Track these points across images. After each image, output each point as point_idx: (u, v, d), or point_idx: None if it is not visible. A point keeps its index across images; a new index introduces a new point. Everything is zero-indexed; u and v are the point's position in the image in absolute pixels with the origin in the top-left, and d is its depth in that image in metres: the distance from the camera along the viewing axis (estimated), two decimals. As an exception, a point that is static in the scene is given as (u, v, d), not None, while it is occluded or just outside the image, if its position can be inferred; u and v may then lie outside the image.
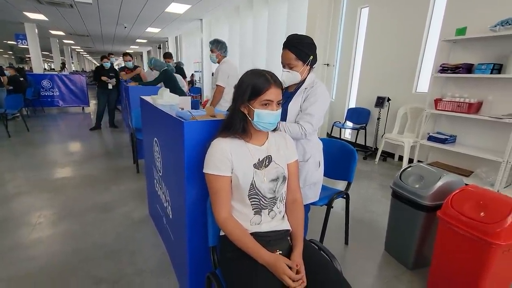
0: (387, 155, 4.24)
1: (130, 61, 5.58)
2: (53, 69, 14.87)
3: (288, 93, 1.57)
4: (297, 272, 0.98)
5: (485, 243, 1.30)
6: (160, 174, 1.79)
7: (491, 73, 2.78)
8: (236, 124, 1.11)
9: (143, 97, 2.26)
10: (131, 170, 3.51)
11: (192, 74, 10.81)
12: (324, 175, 1.71)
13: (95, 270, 1.75)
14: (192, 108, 1.86)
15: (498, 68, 2.79)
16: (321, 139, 1.70)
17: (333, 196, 1.80)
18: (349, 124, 4.74)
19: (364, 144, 4.59)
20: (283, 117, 1.51)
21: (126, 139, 5.06)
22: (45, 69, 13.33)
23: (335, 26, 4.91)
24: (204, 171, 1.09)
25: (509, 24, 2.60)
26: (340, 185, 2.82)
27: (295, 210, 1.18)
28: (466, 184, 1.65)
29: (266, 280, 0.97)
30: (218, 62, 3.12)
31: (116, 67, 6.21)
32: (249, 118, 1.10)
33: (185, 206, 1.28)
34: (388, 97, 4.01)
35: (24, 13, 7.55)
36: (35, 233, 2.14)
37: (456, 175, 1.81)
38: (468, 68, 3.01)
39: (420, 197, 1.68)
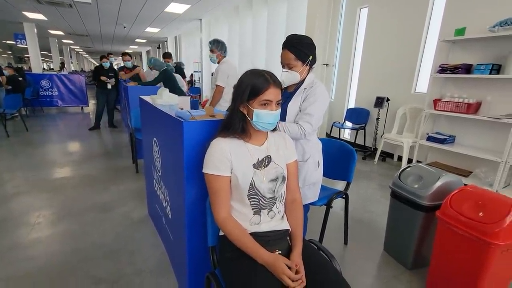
0: (386, 155, 4.25)
1: (129, 60, 5.58)
2: (52, 69, 14.85)
3: (287, 93, 1.57)
4: (297, 272, 0.98)
5: (484, 243, 1.31)
6: (160, 174, 1.79)
7: (490, 73, 2.79)
8: (236, 124, 1.11)
9: (142, 97, 2.25)
10: (130, 170, 3.51)
11: (192, 74, 10.81)
12: (324, 175, 1.72)
13: (94, 270, 1.75)
14: (191, 108, 1.86)
15: (497, 69, 2.80)
16: (321, 139, 1.70)
17: (333, 196, 1.81)
18: (349, 124, 4.75)
19: (363, 144, 4.59)
20: (283, 117, 1.51)
21: (125, 139, 5.05)
22: (44, 69, 13.30)
23: (335, 26, 4.91)
24: (203, 171, 1.09)
25: (508, 25, 2.60)
26: (340, 185, 2.82)
27: (295, 210, 1.18)
28: (465, 184, 1.65)
29: (266, 280, 0.97)
30: (218, 62, 3.12)
31: (116, 67, 6.21)
32: (248, 118, 1.10)
33: (185, 206, 1.28)
34: (387, 97, 4.02)
35: (23, 12, 7.54)
36: (34, 233, 2.14)
37: (455, 175, 1.81)
38: (467, 69, 3.02)
39: (419, 197, 1.68)
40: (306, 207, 1.69)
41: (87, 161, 3.82)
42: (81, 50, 20.32)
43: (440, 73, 3.19)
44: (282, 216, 1.18)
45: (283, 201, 1.18)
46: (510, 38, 2.69)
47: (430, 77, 3.32)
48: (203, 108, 1.73)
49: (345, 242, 2.11)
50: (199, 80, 10.35)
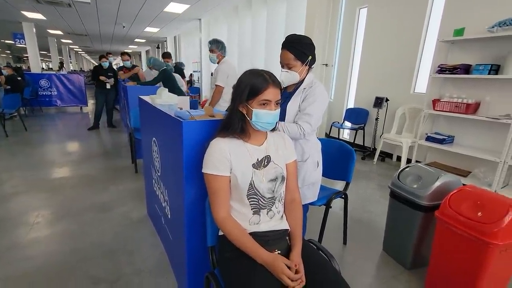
0: (385, 155, 4.26)
1: (128, 60, 5.57)
2: (51, 68, 14.82)
3: (286, 93, 1.57)
4: (296, 272, 0.98)
5: (482, 243, 1.31)
6: (159, 174, 1.79)
7: (489, 73, 2.80)
8: (235, 124, 1.11)
9: (141, 96, 2.25)
10: (130, 170, 3.50)
11: (191, 74, 10.80)
12: (323, 175, 1.72)
13: (93, 270, 1.75)
14: (191, 108, 1.85)
15: (495, 69, 2.80)
16: (320, 139, 1.70)
17: (332, 196, 1.81)
18: (348, 124, 4.75)
19: (362, 144, 4.60)
20: (282, 117, 1.51)
21: (125, 139, 5.04)
22: (43, 68, 13.28)
23: (334, 26, 4.92)
24: (203, 171, 1.09)
25: (507, 25, 2.61)
26: (339, 185, 2.82)
27: (294, 209, 1.18)
28: (464, 184, 1.66)
29: (265, 280, 0.97)
30: (218, 62, 3.11)
31: (115, 67, 6.19)
32: (248, 118, 1.10)
33: (184, 206, 1.28)
34: (387, 98, 4.02)
35: (22, 12, 7.53)
36: (32, 233, 2.13)
37: (454, 175, 1.82)
38: (466, 69, 3.03)
39: (418, 197, 1.68)
40: (305, 207, 1.69)
41: (86, 161, 3.81)
42: (80, 49, 20.29)
43: (439, 73, 3.19)
44: (282, 216, 1.18)
45: (282, 201, 1.18)
46: (509, 39, 2.70)
47: (429, 77, 3.33)
48: (202, 108, 1.73)
49: (344, 242, 2.11)
50: (198, 80, 10.35)
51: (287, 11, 5.36)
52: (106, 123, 5.95)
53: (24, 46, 9.21)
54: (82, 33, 11.31)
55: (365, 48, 4.47)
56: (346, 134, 5.18)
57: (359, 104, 4.66)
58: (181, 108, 1.73)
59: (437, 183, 1.65)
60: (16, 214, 2.41)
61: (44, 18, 8.31)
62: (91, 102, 9.11)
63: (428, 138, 3.36)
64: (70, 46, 17.40)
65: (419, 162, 3.49)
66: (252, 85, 1.06)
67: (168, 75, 4.16)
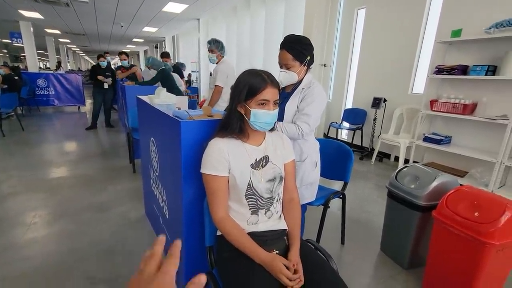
0: (383, 156, 4.27)
1: (125, 60, 5.56)
2: (49, 68, 14.75)
3: (285, 93, 1.58)
4: (295, 271, 0.98)
5: (479, 243, 1.32)
6: (157, 174, 1.79)
7: (486, 74, 2.81)
8: (233, 124, 1.11)
9: (139, 96, 2.25)
10: (128, 170, 3.49)
11: (189, 74, 10.78)
12: (321, 175, 1.72)
13: (91, 270, 1.74)
14: (189, 108, 1.85)
15: (492, 70, 2.82)
16: (318, 140, 1.71)
17: (330, 196, 1.81)
18: (346, 124, 4.76)
19: (360, 144, 4.61)
20: (280, 117, 1.51)
21: (123, 138, 5.03)
22: (40, 68, 13.21)
23: (332, 26, 4.93)
24: (201, 171, 1.09)
25: (504, 26, 2.63)
26: (337, 185, 2.83)
27: (292, 209, 1.19)
28: (461, 185, 1.67)
29: (263, 280, 0.97)
30: (217, 63, 3.10)
31: (113, 66, 6.17)
32: (246, 118, 1.10)
33: (182, 206, 1.28)
34: (385, 98, 4.04)
35: (19, 11, 7.48)
36: (30, 233, 2.12)
37: (451, 175, 1.83)
38: (463, 70, 3.04)
39: (415, 197, 1.69)
40: (304, 207, 1.69)
41: (83, 161, 3.80)
42: (78, 49, 20.21)
43: (437, 74, 3.21)
44: (280, 216, 1.18)
45: (281, 201, 1.19)
46: (506, 40, 2.71)
47: (427, 78, 3.34)
48: (200, 108, 1.73)
49: (342, 242, 2.12)
50: (196, 80, 10.33)
51: (286, 11, 5.37)
52: (104, 122, 5.93)
53: (22, 45, 9.15)
54: (80, 32, 11.27)
55: (363, 49, 4.48)
56: (344, 135, 5.20)
57: (357, 105, 4.67)
58: (179, 108, 1.72)
59: (434, 183, 1.66)
60: (13, 214, 2.39)
61: (42, 17, 8.27)
62: (89, 102, 9.08)
63: (426, 139, 3.37)
64: (68, 46, 17.33)
65: (417, 162, 3.50)
66: (250, 85, 1.06)
67: (167, 75, 4.16)
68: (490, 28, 2.72)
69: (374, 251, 2.05)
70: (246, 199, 1.10)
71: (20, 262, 1.80)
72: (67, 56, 18.42)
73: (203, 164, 1.09)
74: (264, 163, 1.13)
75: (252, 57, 6.52)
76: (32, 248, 1.94)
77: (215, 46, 3.03)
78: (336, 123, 4.83)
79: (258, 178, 1.10)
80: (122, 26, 9.41)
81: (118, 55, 5.47)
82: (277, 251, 1.07)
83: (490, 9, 2.89)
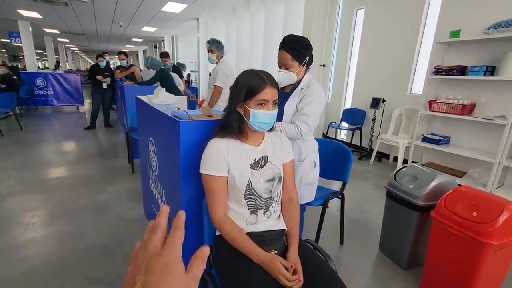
0: (382, 156, 4.28)
1: (124, 60, 5.55)
2: (47, 67, 14.71)
3: (284, 94, 1.58)
4: (295, 272, 0.98)
5: (477, 243, 1.32)
6: (156, 174, 1.79)
7: (484, 75, 2.82)
8: (233, 124, 1.11)
9: (138, 96, 2.25)
10: (126, 170, 3.49)
11: (188, 74, 10.77)
12: (320, 175, 1.72)
13: (89, 271, 1.74)
14: (189, 108, 1.85)
15: (491, 70, 2.83)
16: (317, 140, 1.71)
17: (329, 196, 1.82)
18: (345, 124, 4.77)
19: (359, 144, 4.62)
20: (279, 117, 1.51)
21: (121, 138, 5.02)
22: (39, 67, 13.18)
23: (332, 27, 4.93)
24: (200, 171, 1.09)
25: (502, 27, 2.64)
26: (336, 185, 2.84)
27: (291, 209, 1.19)
28: (459, 185, 1.67)
29: (262, 280, 0.97)
30: (216, 63, 3.10)
31: (112, 66, 6.16)
32: (245, 119, 1.11)
33: (181, 206, 1.28)
34: (383, 98, 4.04)
35: (18, 10, 7.46)
36: (28, 233, 2.12)
37: (449, 175, 1.84)
38: (462, 70, 3.05)
39: (414, 197, 1.69)
40: (302, 207, 1.69)
41: (82, 161, 3.79)
42: (77, 49, 20.17)
43: (435, 75, 3.22)
44: (279, 215, 1.18)
45: (279, 201, 1.19)
46: (504, 40, 2.72)
47: (426, 78, 3.35)
48: (199, 108, 1.73)
49: (341, 242, 2.12)
50: (195, 80, 10.32)
51: (285, 11, 5.37)
52: (103, 122, 5.92)
53: (20, 44, 9.12)
54: (78, 32, 11.24)
55: (363, 49, 4.49)
56: (343, 135, 5.20)
57: (356, 105, 4.68)
58: (178, 108, 1.72)
59: (433, 184, 1.67)
60: (12, 214, 2.39)
61: (40, 17, 8.25)
62: (87, 102, 9.06)
63: (424, 139, 3.38)
64: (67, 45, 17.29)
65: (415, 162, 3.51)
66: (249, 85, 1.07)
67: (166, 75, 4.15)
68: (488, 29, 2.73)
69: (373, 251, 2.05)
70: (245, 199, 1.10)
71: (19, 262, 1.79)
72: (66, 55, 18.37)
73: (202, 164, 1.09)
74: (263, 163, 1.13)
75: (251, 57, 6.52)
76: (30, 248, 1.94)
77: (215, 46, 3.02)
78: (335, 123, 4.83)
79: (257, 178, 1.10)
80: (121, 26, 9.40)
81: (117, 55, 5.46)
82: (276, 251, 1.07)
83: (488, 9, 2.90)
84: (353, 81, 4.76)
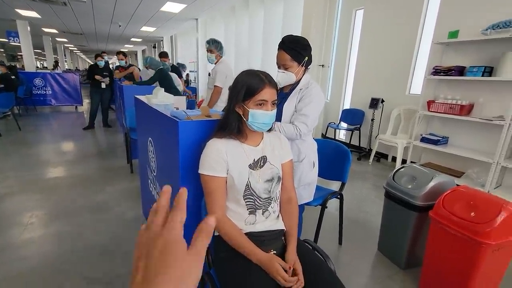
0: (380, 156, 4.28)
1: (122, 60, 5.54)
2: (46, 67, 14.66)
3: (283, 94, 1.58)
4: (294, 272, 0.99)
5: (475, 243, 1.33)
6: (154, 174, 1.79)
7: (482, 75, 2.83)
8: (232, 125, 1.11)
9: (137, 96, 2.24)
10: (125, 170, 3.48)
11: (187, 74, 10.76)
12: (319, 175, 1.73)
13: (88, 271, 1.73)
14: (188, 108, 1.85)
15: (489, 71, 2.84)
16: (316, 140, 1.71)
17: (328, 196, 1.82)
18: (344, 125, 4.78)
19: (358, 145, 4.62)
20: (278, 118, 1.52)
21: (120, 138, 5.01)
22: (37, 67, 13.14)
23: (331, 27, 4.94)
24: (199, 171, 1.09)
25: (500, 28, 2.65)
26: (334, 185, 2.84)
27: (290, 209, 1.19)
28: (458, 185, 1.68)
29: (260, 280, 0.97)
30: (216, 63, 3.10)
31: (111, 66, 6.15)
32: (244, 119, 1.11)
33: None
34: (382, 99, 4.05)
35: (16, 10, 7.44)
36: (26, 233, 2.11)
37: (447, 175, 1.84)
38: (460, 71, 3.06)
39: (412, 198, 1.70)
40: (301, 207, 1.70)
41: (81, 161, 3.78)
42: (76, 48, 20.12)
43: (434, 75, 3.23)
44: (277, 216, 1.18)
45: (278, 201, 1.19)
46: (502, 41, 2.73)
47: (424, 78, 3.36)
48: (199, 108, 1.73)
49: (340, 242, 2.13)
50: (194, 80, 10.31)
51: (284, 12, 5.38)
52: (101, 122, 5.91)
53: (18, 44, 9.09)
54: (77, 32, 11.22)
55: (361, 49, 4.50)
56: (342, 135, 5.21)
57: (355, 105, 4.69)
58: (177, 108, 1.72)
59: (431, 184, 1.67)
60: (10, 214, 2.38)
61: (39, 17, 8.22)
62: (86, 102, 9.04)
63: (423, 139, 3.39)
64: (65, 45, 17.24)
65: (414, 162, 3.52)
66: (248, 85, 1.07)
67: (165, 75, 4.15)
68: (486, 30, 2.74)
69: (372, 251, 2.05)
70: (244, 200, 1.10)
71: (17, 262, 1.79)
72: (65, 55, 18.32)
73: (201, 165, 1.09)
74: (262, 164, 1.13)
75: (250, 57, 6.52)
76: (29, 248, 1.93)
77: (214, 46, 3.02)
78: (334, 123, 4.84)
79: (256, 178, 1.10)
80: (120, 26, 9.39)
81: (116, 55, 5.45)
82: (275, 251, 1.07)
83: (486, 10, 2.91)
84: (352, 81, 4.77)
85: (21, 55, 11.38)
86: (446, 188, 1.61)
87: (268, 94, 1.07)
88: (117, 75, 5.59)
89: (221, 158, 1.07)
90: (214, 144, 1.09)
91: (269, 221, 1.14)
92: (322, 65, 5.08)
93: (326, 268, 1.05)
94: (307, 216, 1.93)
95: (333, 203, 2.69)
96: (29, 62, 9.14)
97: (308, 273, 1.01)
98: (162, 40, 13.04)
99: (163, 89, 2.01)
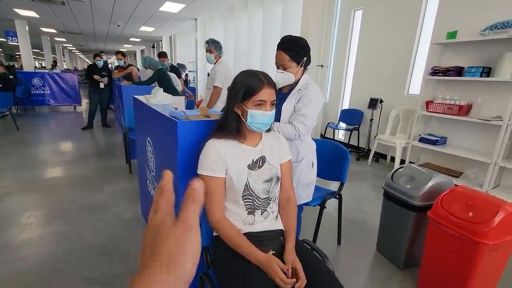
0: (379, 156, 4.29)
1: (121, 59, 5.54)
2: (44, 67, 14.63)
3: (282, 94, 1.58)
4: (295, 273, 0.99)
5: (473, 243, 1.33)
6: (153, 174, 1.78)
7: (481, 76, 2.84)
8: (230, 125, 1.11)
9: (136, 96, 2.24)
10: (124, 170, 3.48)
11: (186, 74, 10.75)
12: (317, 175, 1.73)
13: (87, 271, 1.73)
14: (187, 108, 1.85)
15: (487, 71, 2.85)
16: (315, 140, 1.71)
17: (326, 196, 1.82)
18: (343, 125, 4.78)
19: (357, 145, 4.63)
20: (277, 118, 1.52)
21: (119, 138, 5.00)
22: (36, 67, 13.10)
23: (329, 27, 4.95)
24: (198, 172, 1.09)
25: (498, 29, 2.65)
26: (333, 185, 2.84)
27: (289, 208, 1.19)
28: (456, 185, 1.68)
29: (259, 280, 0.97)
30: (215, 63, 3.09)
31: (110, 66, 6.14)
32: (243, 119, 1.11)
33: (178, 207, 1.28)
34: (381, 99, 4.06)
35: (15, 9, 7.41)
36: (25, 233, 2.10)
37: (446, 176, 1.85)
38: (459, 71, 3.07)
39: (411, 198, 1.70)
40: (300, 208, 1.70)
41: (79, 161, 3.77)
42: (74, 48, 20.06)
43: (433, 75, 3.23)
44: (276, 216, 1.18)
45: (277, 201, 1.19)
46: (500, 42, 2.74)
47: (423, 79, 3.37)
48: (197, 108, 1.73)
49: (339, 242, 2.13)
50: (193, 80, 10.30)
51: (283, 12, 5.38)
52: (100, 122, 5.90)
53: (17, 44, 9.06)
54: (76, 31, 11.19)
55: (360, 50, 4.51)
56: (341, 135, 5.22)
57: (354, 105, 4.69)
58: (176, 108, 1.72)
59: (430, 184, 1.68)
60: (8, 214, 2.37)
61: (37, 16, 8.20)
62: (85, 101, 9.02)
63: (421, 139, 3.40)
64: (64, 45, 17.20)
65: (413, 163, 3.53)
66: (247, 85, 1.07)
67: (163, 75, 4.14)
68: (484, 30, 2.75)
69: (370, 251, 2.06)
70: (243, 200, 1.10)
71: (15, 262, 1.78)
72: (63, 55, 18.28)
73: (200, 165, 1.09)
74: (260, 164, 1.13)
75: (249, 57, 6.52)
76: (27, 249, 1.93)
77: (213, 46, 3.02)
78: (333, 123, 4.84)
79: (255, 178, 1.10)
80: (119, 26, 9.37)
81: (115, 55, 5.44)
82: (273, 252, 1.07)
83: (484, 11, 2.92)
84: (351, 81, 4.78)
85: (19, 55, 11.34)
86: (445, 188, 1.62)
87: (267, 94, 1.07)
88: (116, 75, 5.58)
89: (220, 159, 1.07)
90: (213, 145, 1.09)
91: (268, 221, 1.14)
92: (321, 66, 5.09)
93: (324, 268, 1.05)
94: (305, 216, 1.93)
95: (332, 203, 2.69)
96: (28, 62, 9.12)
97: (307, 273, 1.01)
98: (161, 40, 13.02)
99: (162, 89, 2.01)
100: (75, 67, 24.86)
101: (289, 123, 1.49)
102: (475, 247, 1.33)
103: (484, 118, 2.81)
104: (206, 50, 3.06)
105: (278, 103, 1.53)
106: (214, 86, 3.00)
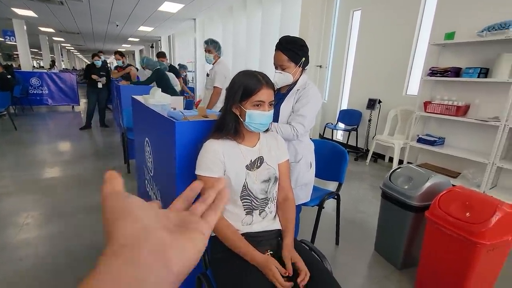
0: (377, 156, 4.30)
1: (120, 59, 5.53)
2: (42, 66, 14.58)
3: (280, 94, 1.58)
4: (298, 268, 0.99)
5: (470, 243, 1.34)
6: (151, 174, 1.78)
7: (478, 77, 2.86)
8: (228, 125, 1.11)
9: (134, 96, 2.24)
10: (122, 170, 3.47)
11: (185, 74, 10.73)
12: (316, 176, 1.73)
13: (84, 272, 1.72)
14: (186, 108, 1.85)
15: (484, 72, 2.86)
16: (313, 140, 1.72)
17: (324, 196, 1.82)
18: (341, 125, 4.79)
19: (355, 145, 4.64)
20: (275, 118, 1.52)
21: (117, 138, 4.99)
22: (34, 66, 13.05)
23: (328, 28, 4.95)
24: (196, 172, 1.09)
25: (496, 30, 2.67)
26: (331, 186, 2.85)
27: (287, 208, 1.19)
28: (453, 185, 1.69)
29: (257, 280, 0.97)
30: (214, 63, 3.09)
31: (109, 66, 6.13)
32: (241, 119, 1.11)
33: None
34: (379, 99, 4.07)
35: (12, 9, 7.39)
36: (22, 233, 2.10)
37: (444, 176, 1.85)
38: (456, 72, 3.08)
39: (408, 198, 1.71)
40: (298, 208, 1.70)
41: (77, 161, 3.76)
42: (72, 48, 20.01)
43: (431, 76, 3.25)
44: (274, 216, 1.18)
45: (275, 201, 1.19)
46: (498, 43, 2.76)
47: (421, 79, 3.38)
48: (196, 108, 1.72)
49: (337, 243, 2.13)
50: (192, 80, 10.30)
51: (282, 12, 5.38)
52: (98, 122, 5.88)
53: (15, 43, 9.03)
54: (74, 31, 11.16)
55: (359, 50, 4.51)
56: (339, 135, 5.22)
57: (353, 106, 4.70)
58: (174, 108, 1.72)
59: (428, 184, 1.68)
60: (6, 214, 2.36)
61: (35, 16, 8.17)
62: (83, 101, 9.00)
63: (420, 140, 3.41)
64: (62, 44, 17.15)
65: (411, 163, 3.54)
66: (245, 86, 1.07)
67: (161, 75, 4.14)
68: (482, 31, 2.76)
69: (368, 251, 2.06)
70: (241, 200, 1.10)
71: (13, 263, 1.78)
72: (61, 55, 18.23)
73: (198, 166, 1.08)
74: (258, 164, 1.13)
75: (248, 57, 6.52)
76: (25, 249, 1.92)
77: (213, 46, 3.01)
78: (332, 124, 4.85)
79: (253, 179, 1.10)
80: (117, 25, 9.35)
81: (114, 55, 5.43)
82: (271, 252, 1.07)
83: (482, 12, 2.93)
84: (350, 82, 4.78)
85: (17, 54, 11.30)
86: (442, 188, 1.62)
87: (265, 94, 1.07)
88: (114, 75, 5.57)
89: (218, 159, 1.07)
90: (211, 145, 1.09)
91: (266, 222, 1.14)
92: (320, 66, 5.09)
93: (323, 268, 1.05)
94: (304, 216, 1.93)
95: (330, 204, 2.70)
96: (26, 62, 9.08)
97: (305, 273, 1.02)
98: (159, 40, 13.01)
99: (160, 89, 2.01)
100: (73, 67, 24.79)
101: (287, 124, 1.49)
102: (472, 247, 1.34)
103: (481, 119, 2.83)
104: (205, 50, 3.06)
105: (277, 104, 1.53)
106: (214, 87, 3.00)
